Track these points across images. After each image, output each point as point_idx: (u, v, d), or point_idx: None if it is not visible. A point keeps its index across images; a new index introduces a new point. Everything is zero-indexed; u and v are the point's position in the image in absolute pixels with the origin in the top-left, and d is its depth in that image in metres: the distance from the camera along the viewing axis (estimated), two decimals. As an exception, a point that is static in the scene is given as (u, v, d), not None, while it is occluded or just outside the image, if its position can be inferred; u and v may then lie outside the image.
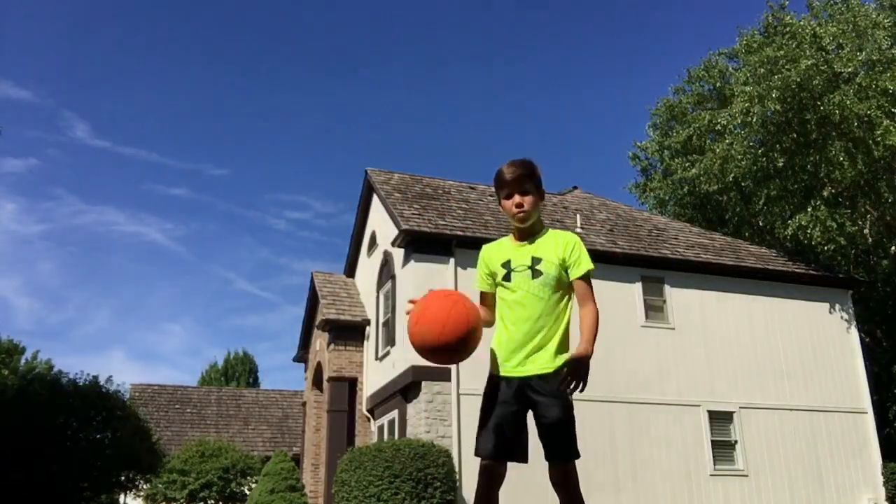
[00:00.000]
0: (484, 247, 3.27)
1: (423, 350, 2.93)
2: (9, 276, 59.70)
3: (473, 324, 2.88)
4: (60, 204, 64.59)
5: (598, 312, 3.05)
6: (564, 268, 3.07)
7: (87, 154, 64.20)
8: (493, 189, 15.15)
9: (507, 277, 3.09)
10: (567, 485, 2.91)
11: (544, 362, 2.97)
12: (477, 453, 2.98)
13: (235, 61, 64.96)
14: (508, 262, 3.11)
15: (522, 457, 2.99)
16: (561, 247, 3.10)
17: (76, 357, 67.01)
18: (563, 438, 2.91)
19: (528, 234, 3.17)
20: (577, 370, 2.83)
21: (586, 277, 3.10)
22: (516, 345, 3.01)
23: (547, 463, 2.95)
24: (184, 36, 64.49)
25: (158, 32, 61.13)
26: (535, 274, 3.05)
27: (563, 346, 3.04)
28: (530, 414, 2.99)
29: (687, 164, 20.91)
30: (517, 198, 3.11)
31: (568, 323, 3.08)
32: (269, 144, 70.33)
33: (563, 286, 3.08)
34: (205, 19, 63.98)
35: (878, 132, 16.26)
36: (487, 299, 3.22)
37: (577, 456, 2.93)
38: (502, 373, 3.02)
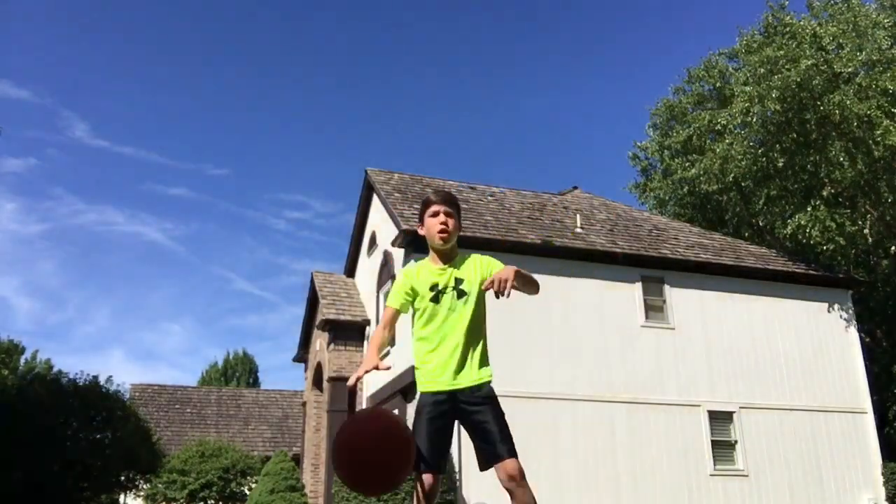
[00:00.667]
0: (406, 268, 3.41)
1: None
2: (8, 275, 59.74)
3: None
4: (60, 204, 64.63)
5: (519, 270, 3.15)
6: (482, 281, 3.24)
7: (86, 154, 64.22)
8: (493, 189, 15.23)
9: (435, 299, 3.23)
10: (523, 479, 2.97)
11: (472, 376, 3.13)
12: (415, 468, 3.06)
13: (235, 60, 65.03)
14: (436, 285, 3.25)
15: (443, 469, 3.16)
16: (481, 265, 3.30)
17: (75, 357, 67.07)
18: (506, 436, 3.02)
19: (447, 258, 3.33)
20: (504, 278, 2.92)
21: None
22: (445, 361, 3.16)
23: (496, 466, 2.99)
24: (183, 35, 64.55)
25: (157, 31, 61.19)
26: (460, 294, 3.22)
27: (485, 358, 3.21)
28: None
29: (687, 164, 20.90)
30: (442, 216, 3.29)
31: (486, 336, 3.28)
32: (269, 144, 70.43)
33: (482, 302, 3.27)
34: (204, 18, 64.04)
35: (878, 132, 16.25)
36: (394, 318, 3.32)
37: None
38: (432, 388, 3.16)
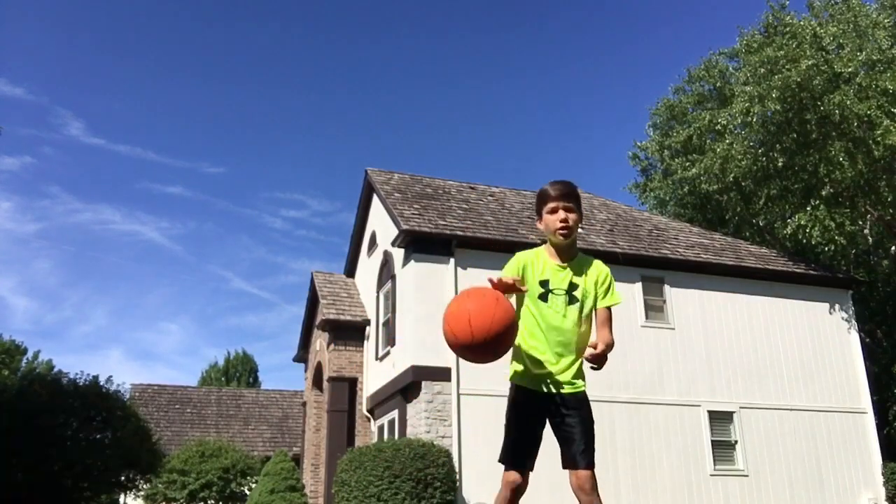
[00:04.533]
0: (520, 253, 3.22)
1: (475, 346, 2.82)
2: (5, 275, 59.76)
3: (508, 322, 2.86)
4: (56, 202, 64.64)
5: (613, 341, 3.14)
6: (594, 297, 3.16)
7: (81, 152, 64.19)
8: (493, 189, 15.23)
9: (543, 297, 3.12)
10: (593, 490, 2.98)
11: (568, 385, 3.09)
12: (505, 463, 3.06)
13: (231, 59, 65.05)
14: (547, 282, 3.13)
15: (532, 467, 3.13)
16: (598, 277, 3.18)
17: (73, 356, 66.98)
18: (587, 445, 3.02)
19: (566, 255, 3.18)
20: (601, 360, 2.98)
21: (610, 308, 3.20)
22: (545, 362, 3.09)
23: (569, 472, 3.03)
24: (179, 33, 64.56)
25: (153, 30, 61.20)
26: (572, 300, 3.12)
27: (582, 370, 3.17)
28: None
29: (687, 164, 20.89)
30: (562, 213, 3.13)
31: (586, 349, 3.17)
32: (266, 142, 70.40)
33: (590, 315, 3.18)
34: (200, 16, 64.06)
35: (878, 132, 16.25)
36: None
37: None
38: (529, 385, 3.11)
